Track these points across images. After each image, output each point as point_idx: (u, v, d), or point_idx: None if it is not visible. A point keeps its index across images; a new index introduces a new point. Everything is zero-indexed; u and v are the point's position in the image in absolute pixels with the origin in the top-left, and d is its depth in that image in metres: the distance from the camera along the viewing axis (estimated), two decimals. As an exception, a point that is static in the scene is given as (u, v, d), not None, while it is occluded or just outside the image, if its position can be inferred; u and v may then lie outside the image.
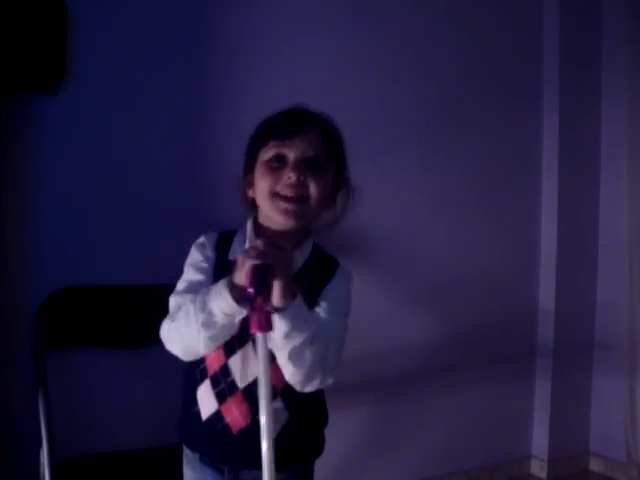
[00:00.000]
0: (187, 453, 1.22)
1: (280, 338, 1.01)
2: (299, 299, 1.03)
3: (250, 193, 1.20)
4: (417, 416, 2.17)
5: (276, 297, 0.99)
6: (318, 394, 1.23)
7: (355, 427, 2.00)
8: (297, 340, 1.01)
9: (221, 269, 1.13)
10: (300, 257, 1.17)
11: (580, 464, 2.48)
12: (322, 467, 1.28)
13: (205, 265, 1.17)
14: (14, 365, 1.52)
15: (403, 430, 2.14)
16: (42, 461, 1.39)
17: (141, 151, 1.67)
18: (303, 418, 1.17)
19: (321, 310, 1.12)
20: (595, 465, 2.48)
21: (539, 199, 2.45)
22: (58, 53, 1.47)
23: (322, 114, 1.21)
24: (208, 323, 1.03)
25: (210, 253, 1.19)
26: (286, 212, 1.11)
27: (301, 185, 1.11)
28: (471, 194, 2.28)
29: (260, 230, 1.18)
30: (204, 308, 1.03)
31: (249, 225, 1.21)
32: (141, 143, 1.67)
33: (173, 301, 1.15)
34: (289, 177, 1.10)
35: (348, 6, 2.00)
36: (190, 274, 1.18)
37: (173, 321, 1.11)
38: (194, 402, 1.17)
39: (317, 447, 1.24)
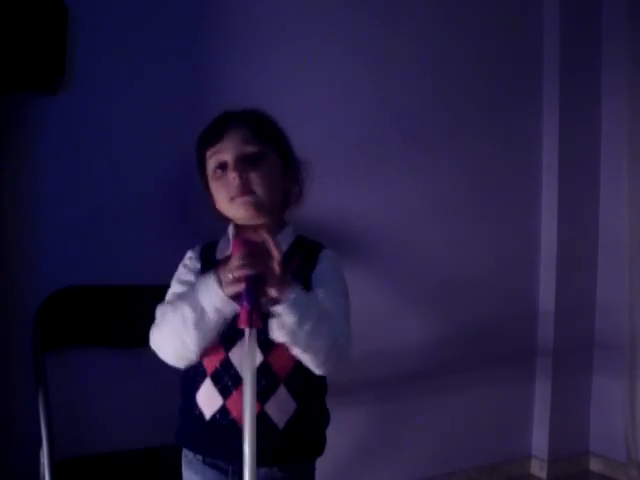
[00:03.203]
0: (187, 455, 1.22)
1: (293, 327, 1.02)
2: (295, 284, 1.05)
3: (217, 205, 1.25)
4: (417, 416, 2.17)
5: (273, 293, 1.01)
6: (320, 392, 1.25)
7: (355, 427, 2.00)
8: (309, 323, 1.03)
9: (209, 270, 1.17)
10: (282, 243, 1.18)
11: (580, 464, 2.48)
12: (322, 466, 1.28)
13: (189, 277, 1.22)
14: (14, 365, 1.52)
15: (403, 430, 2.14)
16: (42, 461, 1.39)
17: (141, 151, 1.67)
18: (308, 412, 1.18)
19: (319, 294, 1.13)
20: (595, 465, 2.48)
21: (539, 199, 2.45)
22: (58, 53, 1.46)
23: (248, 109, 1.25)
24: (200, 322, 1.06)
25: (196, 264, 1.24)
26: (244, 205, 1.17)
27: (245, 182, 1.16)
28: (471, 194, 2.28)
29: (241, 230, 1.23)
30: (196, 307, 1.06)
31: (231, 227, 1.26)
32: (141, 143, 1.67)
33: (159, 311, 1.18)
34: (233, 178, 1.16)
35: (347, 7, 2.00)
36: (174, 287, 1.23)
37: (159, 329, 1.13)
38: (194, 406, 1.17)
39: (319, 446, 1.24)
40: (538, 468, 2.42)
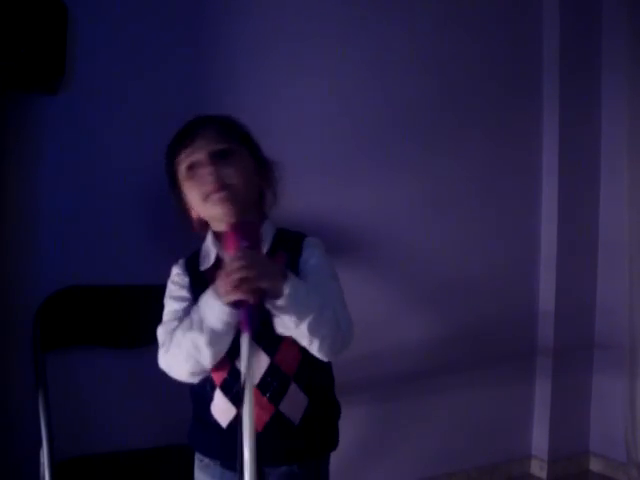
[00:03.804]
0: (203, 460, 1.22)
1: (294, 320, 1.03)
2: (292, 276, 1.06)
3: (193, 214, 1.25)
4: (417, 416, 2.17)
5: (270, 292, 1.02)
6: (329, 383, 1.26)
7: (355, 427, 2.00)
8: (310, 314, 1.04)
9: (197, 284, 1.17)
10: (264, 241, 1.18)
11: (580, 464, 2.48)
12: (322, 467, 1.28)
13: (182, 293, 1.21)
14: (14, 365, 1.52)
15: (403, 430, 2.14)
16: (42, 461, 1.39)
17: (141, 151, 1.67)
18: (320, 404, 1.19)
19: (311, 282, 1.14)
20: (595, 465, 2.48)
21: (539, 199, 2.44)
22: (58, 53, 1.46)
23: (217, 114, 1.26)
24: (212, 340, 1.06)
25: (184, 278, 1.23)
26: (220, 201, 1.16)
27: (220, 176, 1.16)
28: (471, 194, 2.28)
29: (219, 235, 1.21)
30: (202, 328, 1.06)
31: (209, 236, 1.25)
32: (141, 143, 1.67)
33: (161, 331, 1.18)
34: (208, 173, 1.16)
35: (346, 5, 2.00)
36: (170, 305, 1.22)
37: (168, 352, 1.14)
38: (209, 415, 1.17)
39: (333, 439, 1.25)
40: (538, 468, 2.42)
